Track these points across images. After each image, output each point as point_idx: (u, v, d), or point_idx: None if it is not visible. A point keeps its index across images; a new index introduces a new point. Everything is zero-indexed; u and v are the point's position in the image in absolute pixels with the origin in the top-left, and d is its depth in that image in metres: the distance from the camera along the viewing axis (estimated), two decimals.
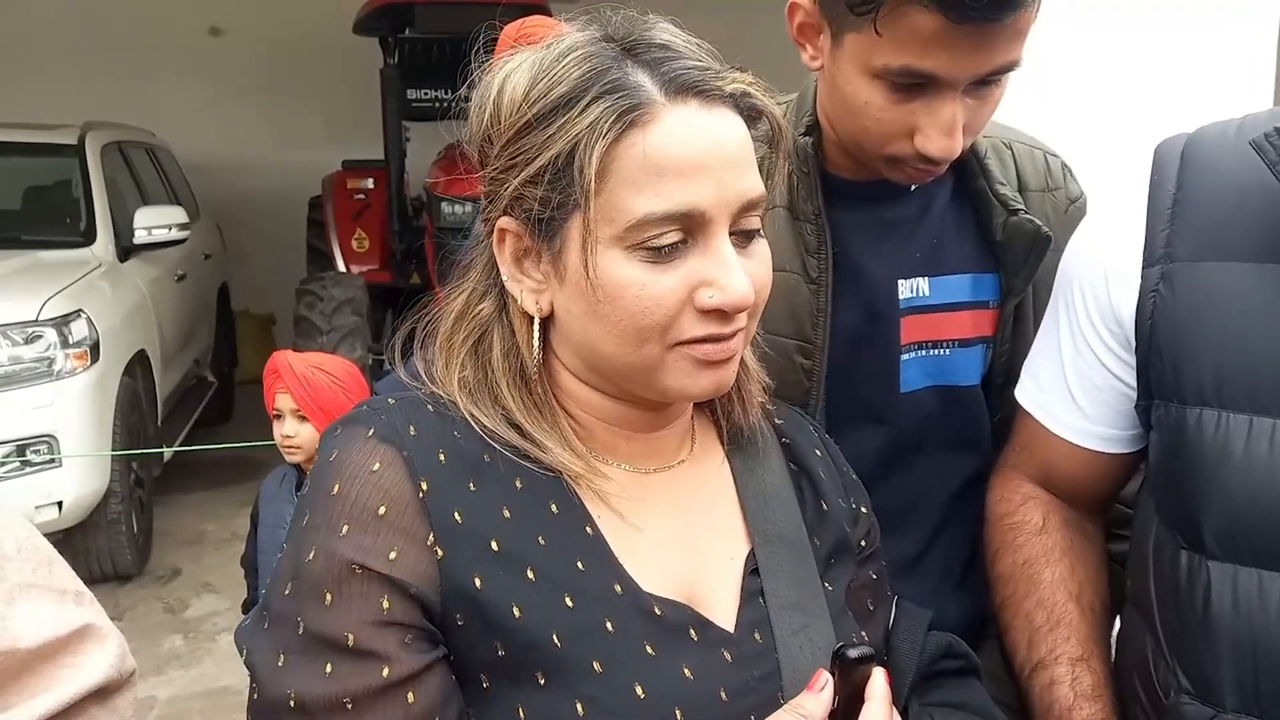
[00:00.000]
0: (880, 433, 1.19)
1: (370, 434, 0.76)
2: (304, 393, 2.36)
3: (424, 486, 0.74)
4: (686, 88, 0.74)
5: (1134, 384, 1.00)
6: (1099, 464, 1.09)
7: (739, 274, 0.74)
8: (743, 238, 0.77)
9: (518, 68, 0.77)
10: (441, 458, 0.76)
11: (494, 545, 0.74)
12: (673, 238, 0.73)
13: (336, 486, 0.74)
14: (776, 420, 0.95)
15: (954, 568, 1.26)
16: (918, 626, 0.96)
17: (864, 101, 1.02)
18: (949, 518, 1.25)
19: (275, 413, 2.44)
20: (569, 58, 0.75)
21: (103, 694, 0.81)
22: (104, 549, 4.11)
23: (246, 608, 2.54)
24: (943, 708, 0.93)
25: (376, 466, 0.74)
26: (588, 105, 0.72)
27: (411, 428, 0.77)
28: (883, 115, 1.02)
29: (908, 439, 1.20)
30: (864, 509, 0.96)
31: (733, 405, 0.89)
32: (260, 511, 2.49)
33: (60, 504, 3.77)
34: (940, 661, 0.96)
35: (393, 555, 0.72)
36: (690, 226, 0.73)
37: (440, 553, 0.72)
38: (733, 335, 0.77)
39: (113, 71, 7.23)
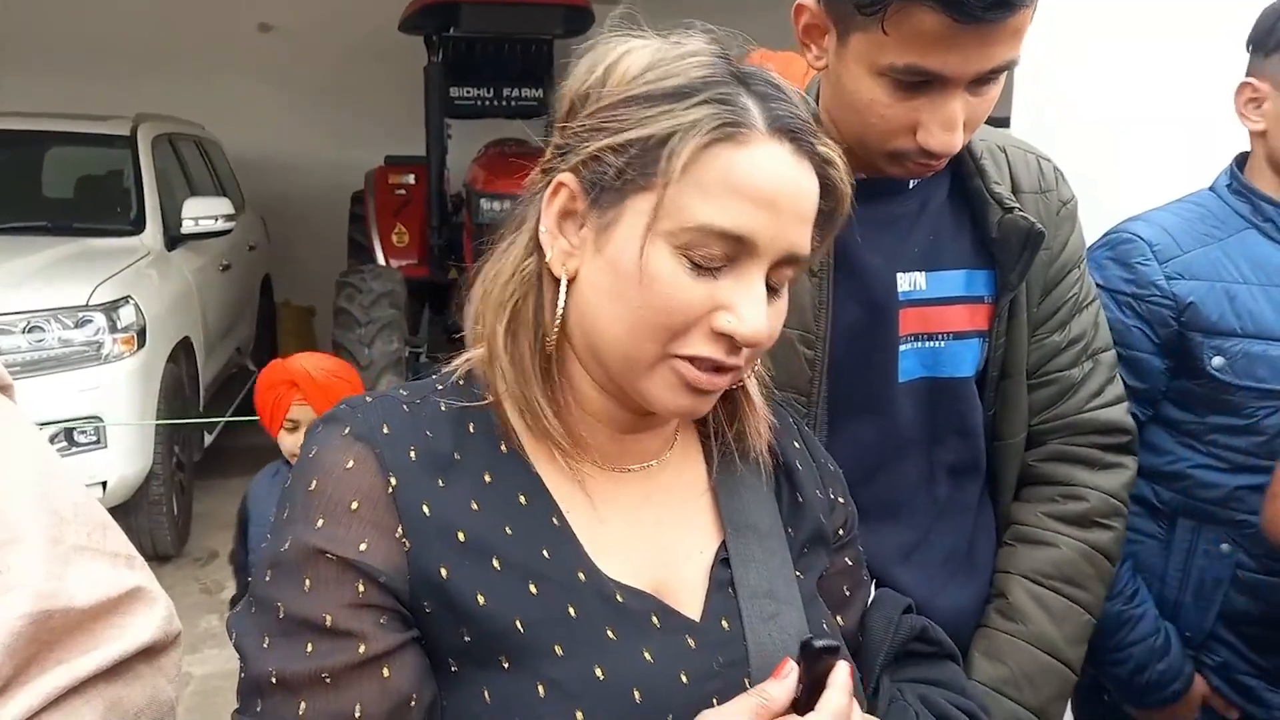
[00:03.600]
0: (878, 423, 1.22)
1: (346, 432, 0.79)
2: (327, 402, 2.27)
3: (393, 482, 0.77)
4: (786, 130, 0.76)
5: None
6: None
7: (761, 311, 0.76)
8: (772, 287, 0.78)
9: (641, 49, 0.80)
10: (412, 454, 0.79)
11: (460, 536, 0.77)
12: (718, 257, 0.75)
13: (314, 482, 0.77)
14: None
15: (952, 556, 1.29)
16: (893, 608, 0.98)
17: (869, 99, 1.06)
18: (945, 507, 1.28)
19: (290, 424, 2.36)
20: (692, 58, 0.78)
21: (150, 653, 0.83)
22: (145, 529, 4.22)
23: (234, 603, 2.47)
24: (913, 684, 0.94)
25: (350, 464, 0.77)
26: (697, 104, 0.75)
27: (385, 426, 0.79)
28: (887, 112, 1.06)
29: (904, 429, 1.23)
30: (841, 498, 0.98)
31: (732, 436, 0.90)
32: (250, 510, 2.44)
33: (105, 484, 3.88)
34: (913, 643, 0.97)
35: (363, 546, 0.75)
36: (737, 252, 0.75)
37: (408, 544, 0.76)
38: (732, 370, 0.78)
39: (166, 66, 7.37)
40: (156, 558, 4.33)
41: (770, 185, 0.75)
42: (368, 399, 0.83)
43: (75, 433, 3.83)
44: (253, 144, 7.42)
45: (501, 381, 0.81)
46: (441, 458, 0.80)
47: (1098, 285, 1.42)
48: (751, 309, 0.75)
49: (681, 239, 0.74)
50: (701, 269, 0.75)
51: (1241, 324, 1.44)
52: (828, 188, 0.80)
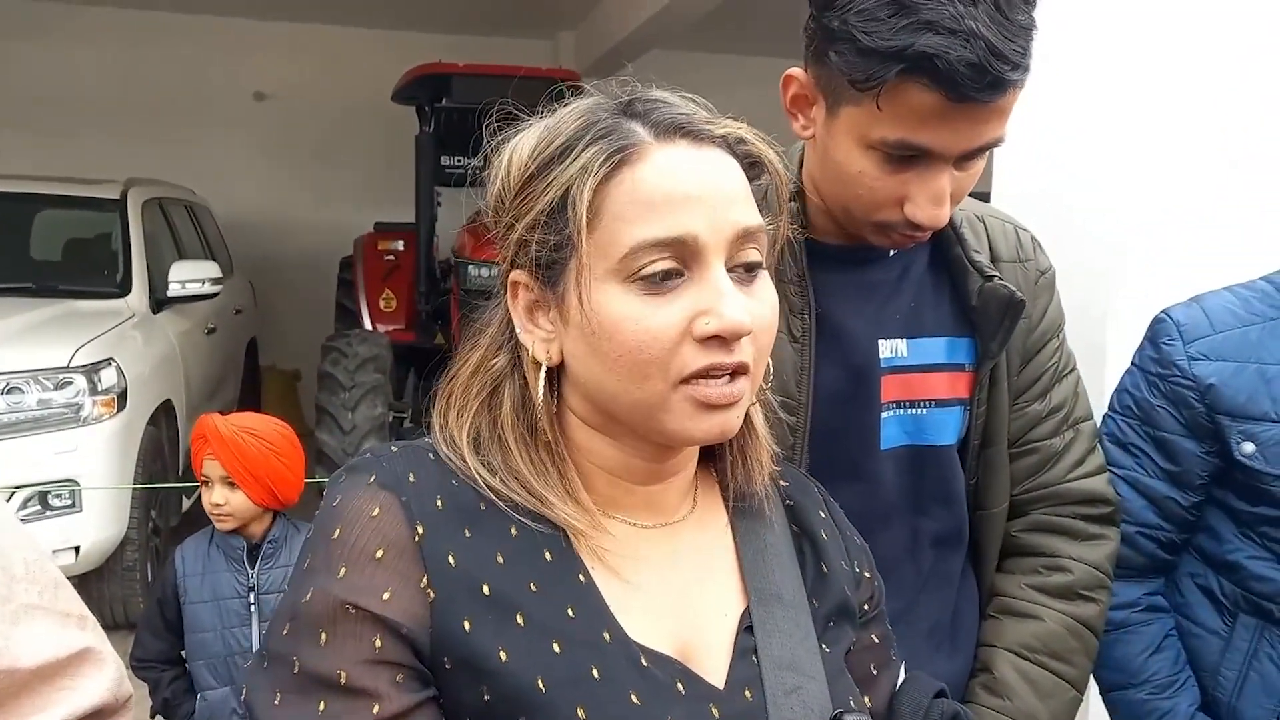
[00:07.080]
0: (861, 490, 1.21)
1: (372, 480, 0.78)
2: (232, 458, 2.24)
3: (420, 530, 0.75)
4: (674, 129, 0.77)
5: None
6: None
7: (734, 300, 0.75)
8: (744, 272, 0.77)
9: (528, 133, 0.82)
10: (439, 504, 0.78)
11: (485, 589, 0.75)
12: (665, 265, 0.74)
13: (338, 531, 0.76)
14: (781, 482, 0.94)
15: (936, 628, 1.27)
16: (923, 691, 0.93)
17: (857, 171, 1.07)
18: (929, 577, 1.26)
19: (204, 479, 2.31)
20: (568, 115, 0.80)
21: (99, 717, 0.82)
22: (117, 596, 4.12)
23: (155, 712, 2.29)
24: None
25: (376, 512, 0.76)
26: (580, 151, 0.76)
27: (411, 475, 0.79)
28: (875, 184, 1.07)
29: (887, 496, 1.22)
30: (867, 573, 0.95)
31: (738, 469, 0.89)
32: (186, 589, 2.32)
33: (78, 549, 3.80)
34: None
35: (386, 596, 0.73)
36: (684, 256, 0.75)
37: (432, 594, 0.74)
38: (735, 367, 0.76)
39: (158, 131, 7.47)
40: (129, 626, 4.22)
41: (678, 182, 0.75)
42: (393, 449, 0.82)
43: (50, 496, 3.76)
44: (244, 209, 7.48)
45: (485, 471, 0.81)
46: (468, 508, 0.79)
47: (1134, 365, 1.42)
48: (722, 301, 0.74)
49: (624, 270, 0.75)
50: (659, 290, 0.74)
51: (1277, 408, 1.34)
52: (752, 163, 0.81)
